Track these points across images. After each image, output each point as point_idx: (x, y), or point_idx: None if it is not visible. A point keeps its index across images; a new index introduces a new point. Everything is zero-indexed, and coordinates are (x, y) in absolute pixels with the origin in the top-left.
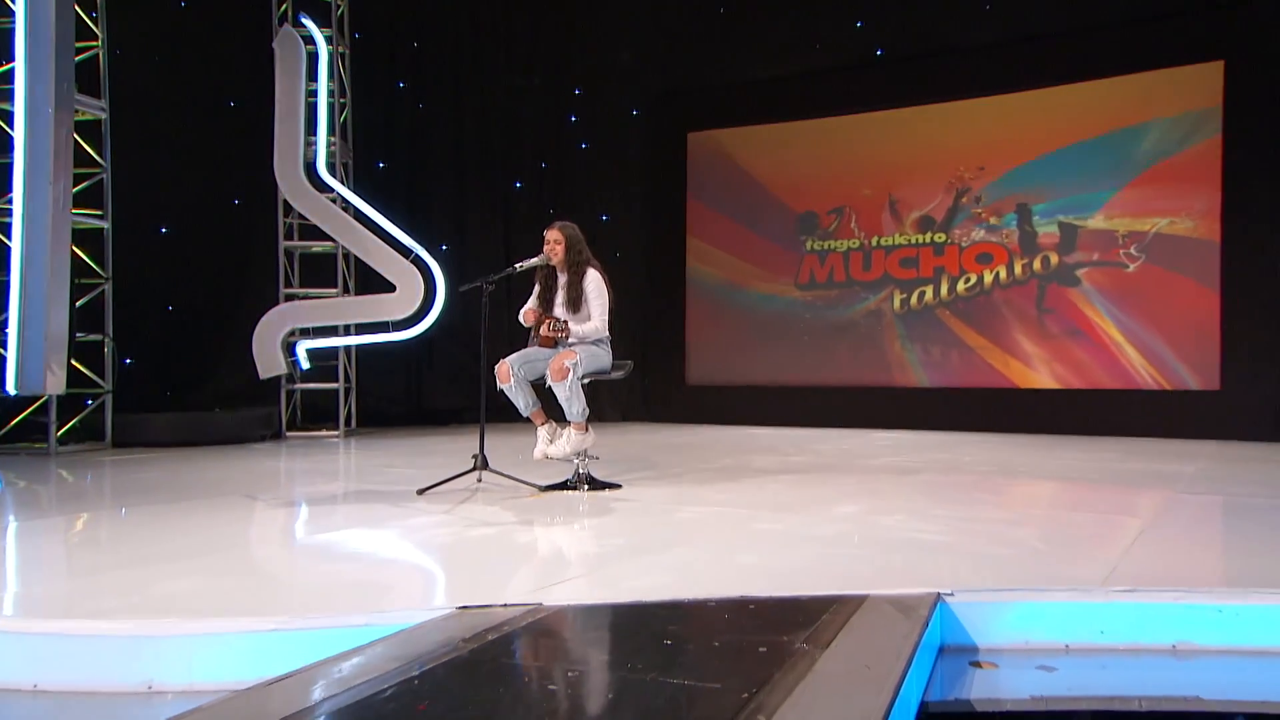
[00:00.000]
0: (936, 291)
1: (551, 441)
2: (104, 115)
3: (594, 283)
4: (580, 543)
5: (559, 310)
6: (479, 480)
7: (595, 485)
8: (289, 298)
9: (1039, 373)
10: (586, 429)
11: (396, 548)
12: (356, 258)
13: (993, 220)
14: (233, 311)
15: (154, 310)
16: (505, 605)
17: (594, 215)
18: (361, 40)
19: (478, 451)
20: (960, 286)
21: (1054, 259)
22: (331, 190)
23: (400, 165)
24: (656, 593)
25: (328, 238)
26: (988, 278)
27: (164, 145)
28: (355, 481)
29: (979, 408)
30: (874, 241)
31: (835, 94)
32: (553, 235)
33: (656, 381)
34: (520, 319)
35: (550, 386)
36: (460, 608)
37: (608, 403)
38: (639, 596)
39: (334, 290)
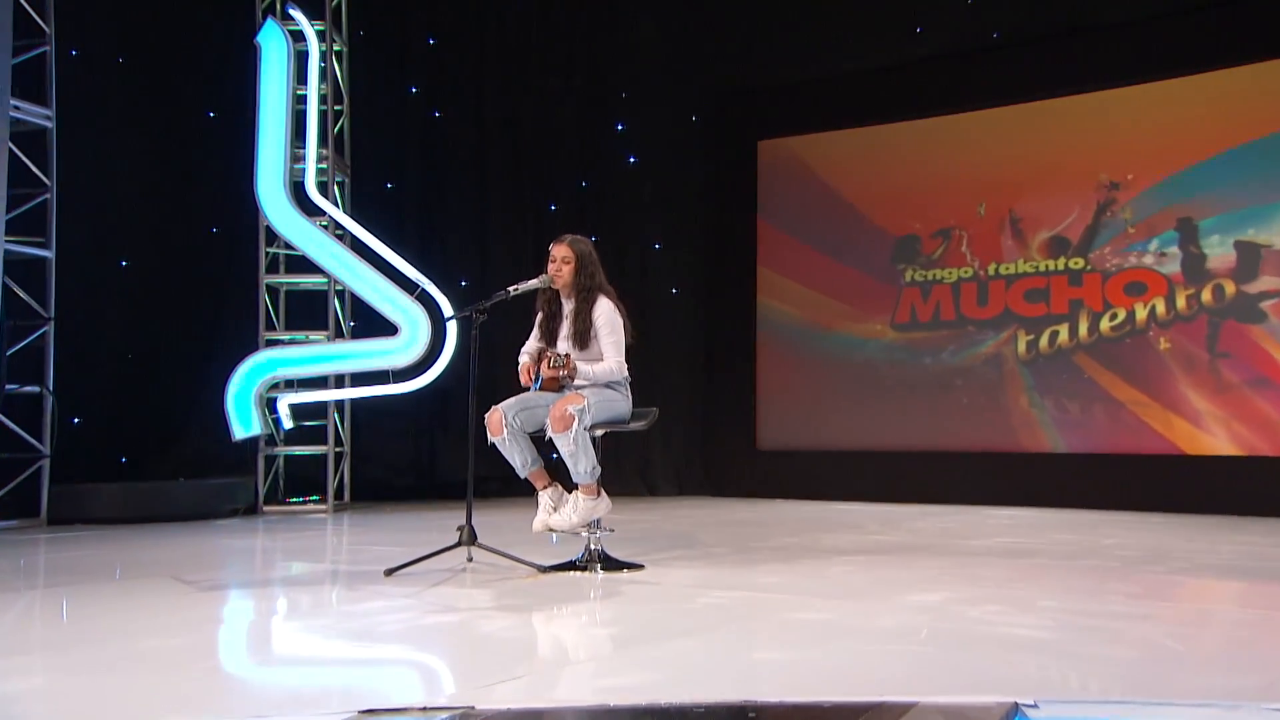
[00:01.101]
0: (1073, 331)
1: (555, 509)
2: (50, 125)
3: (605, 313)
4: (560, 632)
5: (563, 346)
6: (469, 560)
7: (610, 565)
8: (271, 343)
9: (1212, 435)
10: (598, 493)
11: (320, 640)
12: (353, 294)
13: (1147, 241)
14: (205, 361)
15: (108, 359)
16: (424, 709)
17: (645, 243)
18: (365, 37)
19: (464, 523)
20: (1105, 325)
21: (1229, 288)
22: (323, 214)
23: (410, 184)
24: (633, 694)
25: (318, 271)
26: (1140, 313)
27: (125, 161)
28: (319, 561)
29: (1131, 480)
30: (991, 270)
31: (941, 88)
32: (560, 252)
33: (721, 447)
34: (520, 374)
35: (551, 439)
36: (363, 712)
37: (660, 473)
38: (607, 699)
39: (324, 334)
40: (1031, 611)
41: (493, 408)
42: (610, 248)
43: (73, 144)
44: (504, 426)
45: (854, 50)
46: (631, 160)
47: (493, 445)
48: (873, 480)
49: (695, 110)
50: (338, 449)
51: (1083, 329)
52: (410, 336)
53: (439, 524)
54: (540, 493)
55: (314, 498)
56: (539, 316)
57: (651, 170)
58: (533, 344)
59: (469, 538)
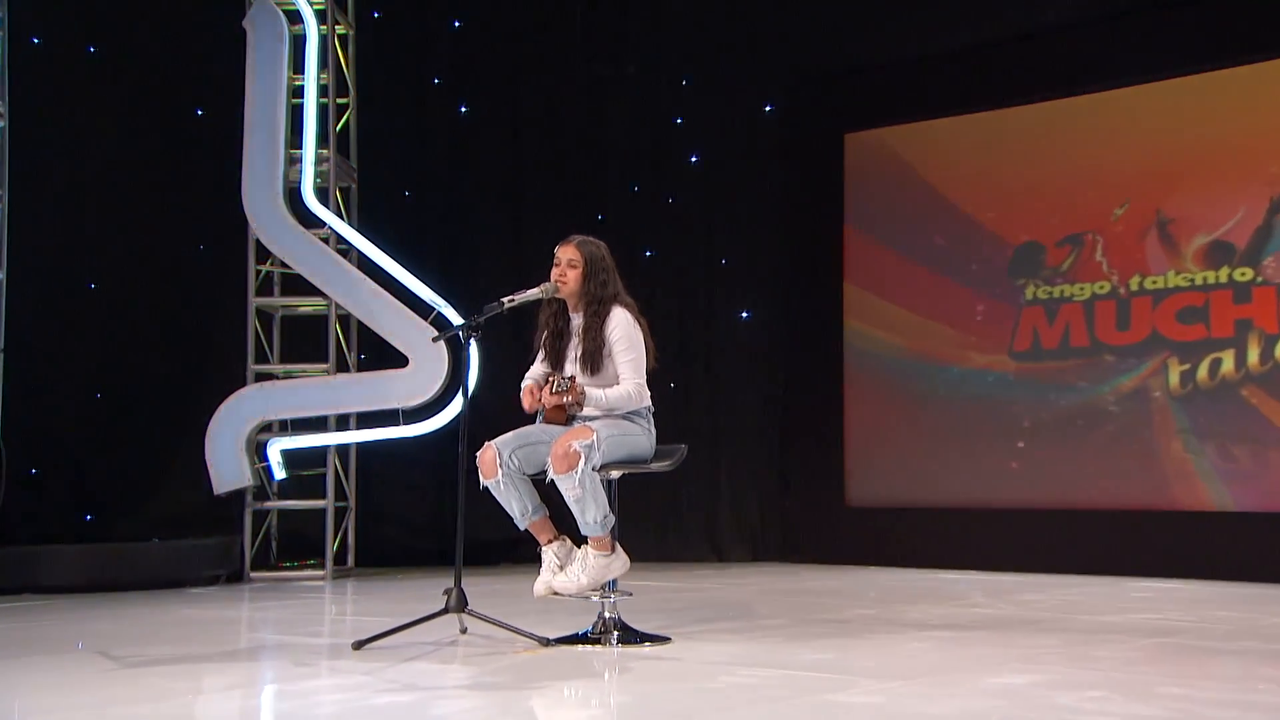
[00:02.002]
0: (1241, 359)
1: (562, 568)
2: (2, 124)
3: (622, 327)
4: (526, 716)
5: (570, 370)
6: (462, 630)
7: (629, 637)
8: (262, 377)
9: None
10: (613, 548)
11: None
12: (359, 320)
13: None
14: (187, 400)
15: (73, 398)
16: None
17: (709, 258)
18: (381, 20)
19: (453, 585)
20: None
21: None
22: (323, 225)
23: (432, 192)
24: None
25: (318, 292)
26: None
27: (94, 166)
28: (288, 633)
29: None
30: (1134, 284)
31: (1067, 64)
32: (566, 254)
33: (802, 503)
34: (523, 396)
35: (552, 481)
36: None
37: (730, 535)
38: None
39: (325, 367)
40: (1145, 700)
41: (486, 444)
42: (668, 266)
43: (30, 145)
44: (498, 467)
45: (963, 23)
46: (693, 159)
47: (485, 489)
48: (985, 544)
49: (770, 97)
50: (340, 503)
51: (1252, 356)
52: (424, 368)
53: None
54: (543, 548)
55: (311, 562)
56: (543, 335)
57: (717, 171)
58: (537, 368)
59: (457, 603)
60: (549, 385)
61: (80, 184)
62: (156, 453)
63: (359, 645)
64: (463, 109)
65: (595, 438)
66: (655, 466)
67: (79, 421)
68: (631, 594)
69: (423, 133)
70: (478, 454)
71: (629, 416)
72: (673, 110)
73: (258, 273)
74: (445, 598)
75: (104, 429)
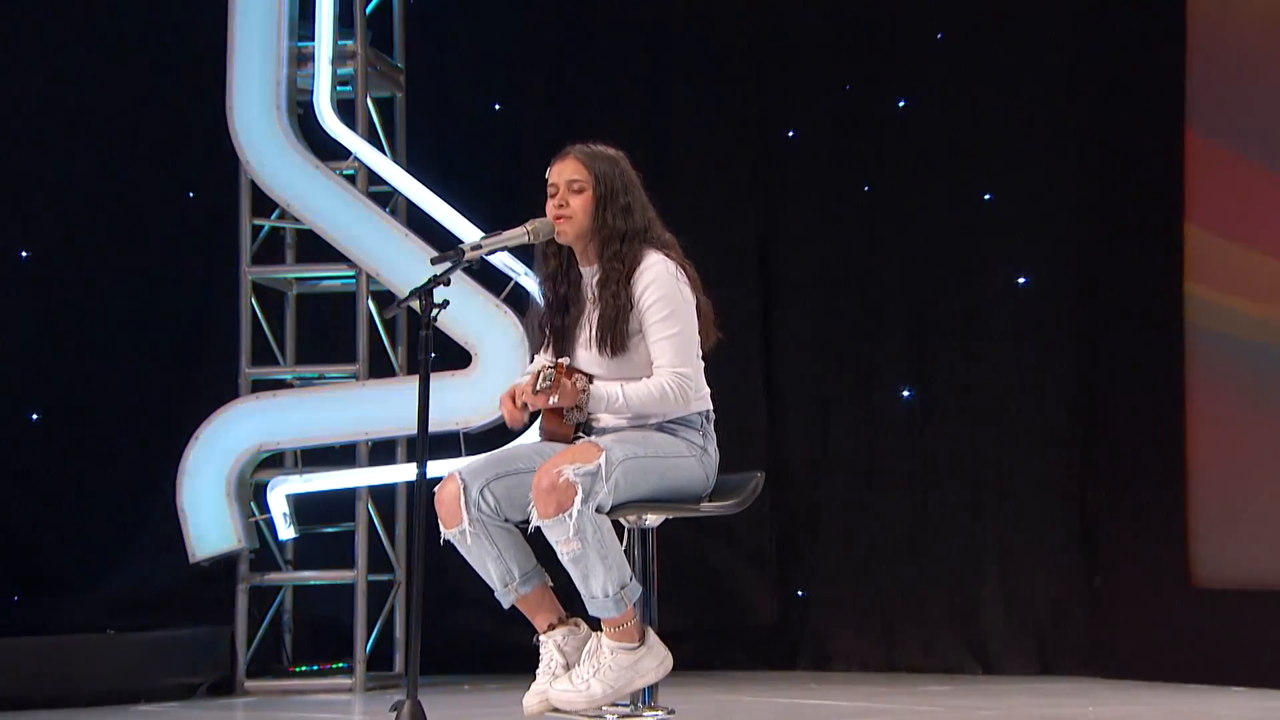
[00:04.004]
0: None
1: (567, 667)
2: None
3: (658, 281)
4: None
5: (581, 354)
6: None
7: None
8: (266, 385)
9: None
10: (641, 637)
11: None
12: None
13: None
14: (159, 421)
15: None
16: None
17: (962, 191)
18: None
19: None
20: None
21: None
22: (348, 155)
23: (535, 103)
24: None
25: (339, 257)
26: None
27: (30, 88)
28: None
29: None
30: None
31: None
32: (565, 174)
33: (1119, 582)
34: (500, 406)
35: (538, 527)
36: None
37: (1001, 630)
38: None
39: (352, 369)
40: None
41: (448, 475)
42: (892, 205)
43: None
44: (463, 509)
45: None
46: (938, 36)
47: (446, 542)
48: None
49: None
50: (379, 576)
51: None
52: (495, 371)
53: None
54: (541, 638)
55: (340, 665)
56: (540, 301)
57: (974, 49)
58: (540, 358)
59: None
60: (535, 378)
61: (7, 114)
62: (114, 501)
63: None
64: None
65: (603, 460)
66: (710, 508)
67: (3, 455)
68: (674, 712)
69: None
70: (436, 489)
71: (667, 427)
72: None
73: (255, 231)
74: (394, 714)
75: (39, 466)
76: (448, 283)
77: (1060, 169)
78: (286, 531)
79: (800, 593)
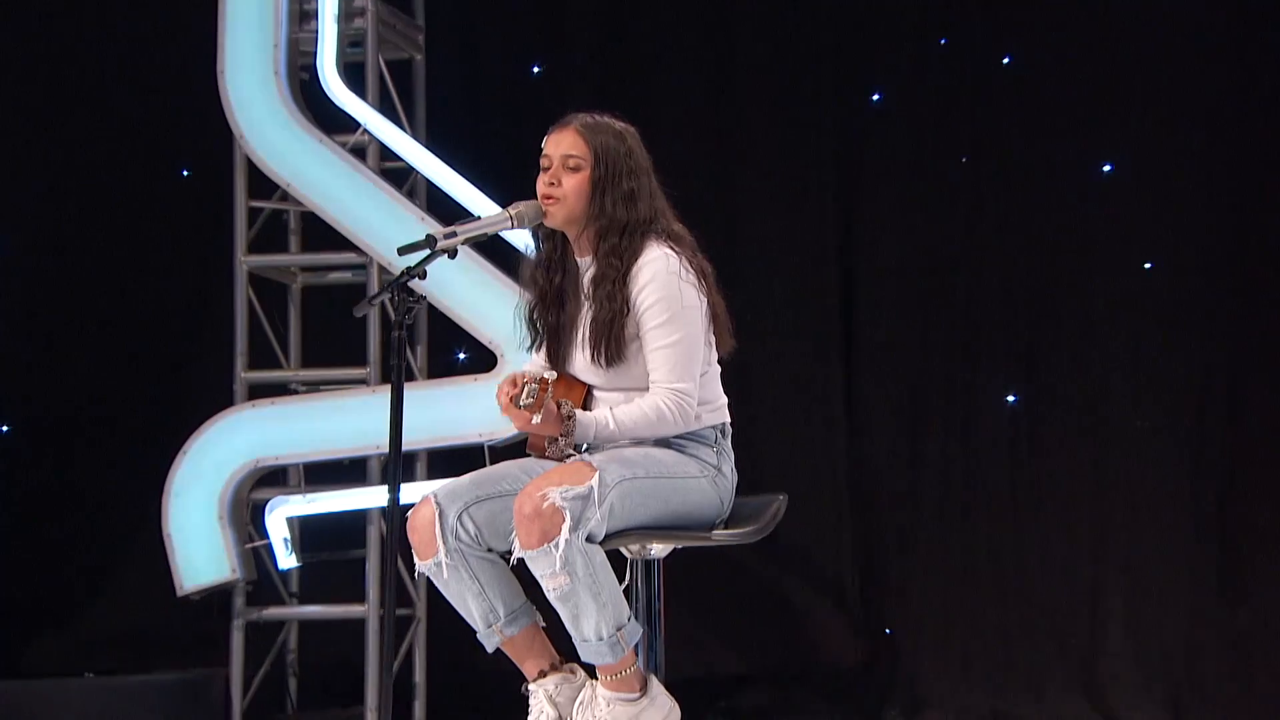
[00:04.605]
0: None
1: None
2: None
3: (658, 281)
4: None
5: (577, 357)
6: None
7: None
8: (265, 390)
9: None
10: (643, 687)
11: None
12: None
13: None
14: (144, 433)
15: None
16: None
17: (1070, 154)
18: None
19: None
20: None
21: None
22: (357, 127)
23: (578, 63)
24: None
25: (350, 245)
26: None
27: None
28: None
29: None
30: None
31: None
32: (561, 147)
33: (1273, 617)
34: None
35: (521, 560)
36: None
37: (1123, 676)
38: None
39: (363, 371)
40: None
41: (423, 498)
42: (990, 179)
43: None
44: (438, 538)
45: None
46: None
47: (421, 573)
48: None
49: None
50: (400, 611)
51: None
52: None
53: None
54: (531, 686)
55: (352, 711)
56: (529, 298)
57: (1111, 12)
58: (533, 361)
59: None
60: (513, 382)
61: None
62: (93, 524)
63: None
64: None
65: (595, 482)
66: (724, 536)
67: None
68: None
69: None
70: (409, 514)
71: (675, 443)
72: None
73: (252, 215)
74: None
75: (8, 484)
76: (423, 275)
77: (1194, 136)
78: (287, 560)
79: (888, 630)
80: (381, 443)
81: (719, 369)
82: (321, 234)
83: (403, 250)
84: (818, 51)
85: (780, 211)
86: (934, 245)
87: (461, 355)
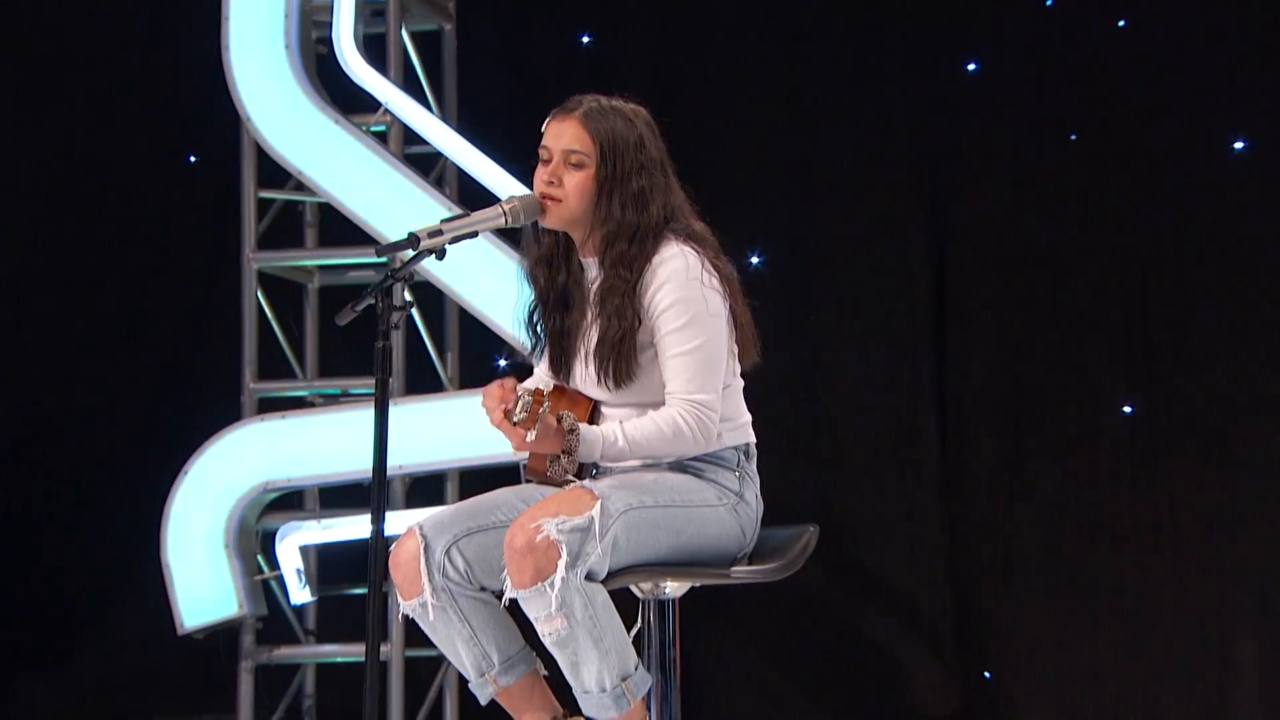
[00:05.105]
0: None
1: None
2: None
3: (676, 284)
4: None
5: (583, 374)
6: None
7: None
8: (276, 404)
9: None
10: None
11: None
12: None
13: None
14: (146, 452)
15: None
16: None
17: (1219, 134)
18: None
19: None
20: None
21: None
22: (378, 107)
23: (632, 31)
24: None
25: (369, 240)
26: None
27: None
28: None
29: None
30: None
31: None
32: (563, 138)
33: None
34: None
35: (513, 600)
36: None
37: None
38: None
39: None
40: None
41: (407, 530)
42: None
43: None
44: (424, 575)
45: None
46: None
47: (406, 617)
48: None
49: None
50: (418, 651)
51: None
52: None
53: None
54: None
55: None
56: (530, 301)
57: None
58: (536, 373)
59: None
60: (505, 390)
61: None
62: (90, 555)
63: None
64: None
65: (596, 512)
66: (744, 573)
67: None
68: None
69: None
70: (392, 548)
71: (690, 466)
72: None
73: (262, 207)
74: None
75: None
76: (411, 279)
77: None
78: (301, 593)
79: (987, 674)
80: (406, 463)
81: (742, 383)
82: (340, 228)
83: (381, 251)
84: (906, 11)
85: (861, 199)
86: (1038, 236)
87: (502, 362)
